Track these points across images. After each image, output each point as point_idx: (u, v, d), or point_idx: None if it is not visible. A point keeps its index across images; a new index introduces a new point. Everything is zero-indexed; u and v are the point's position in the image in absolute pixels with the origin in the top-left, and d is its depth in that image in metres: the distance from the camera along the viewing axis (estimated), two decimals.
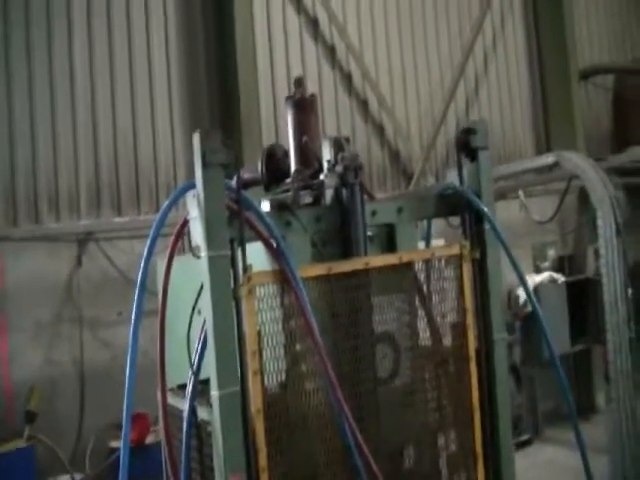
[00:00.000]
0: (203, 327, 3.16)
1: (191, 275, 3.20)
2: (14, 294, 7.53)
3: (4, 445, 7.04)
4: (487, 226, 3.67)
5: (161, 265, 3.31)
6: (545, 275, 10.01)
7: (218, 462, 3.01)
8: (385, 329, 3.47)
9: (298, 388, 3.21)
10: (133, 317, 2.96)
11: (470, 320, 3.60)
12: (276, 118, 9.20)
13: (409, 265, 3.51)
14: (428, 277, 3.56)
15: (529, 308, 9.35)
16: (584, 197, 9.00)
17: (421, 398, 3.52)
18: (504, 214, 3.75)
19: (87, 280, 7.78)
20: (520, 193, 10.06)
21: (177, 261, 3.54)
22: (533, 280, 9.69)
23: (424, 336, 3.55)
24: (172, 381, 3.78)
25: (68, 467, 7.22)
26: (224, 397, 2.98)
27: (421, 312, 3.55)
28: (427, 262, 3.56)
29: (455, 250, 3.63)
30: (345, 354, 3.31)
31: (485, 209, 3.64)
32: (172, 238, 3.24)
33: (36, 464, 7.11)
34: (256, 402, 3.05)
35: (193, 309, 3.32)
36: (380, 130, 10.37)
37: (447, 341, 3.60)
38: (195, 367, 3.20)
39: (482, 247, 3.69)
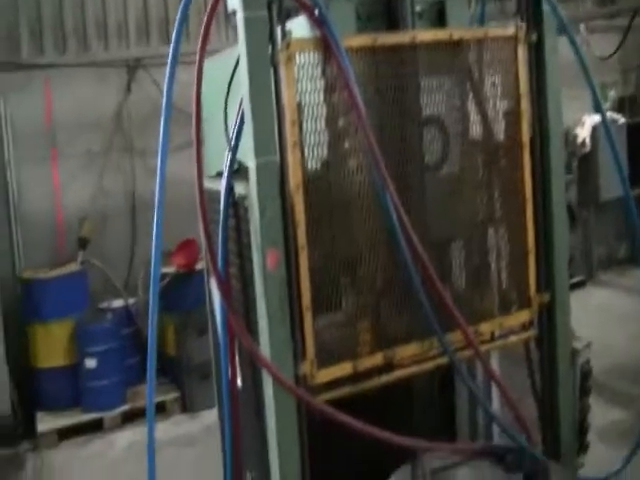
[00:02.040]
0: (241, 104, 3.01)
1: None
2: (64, 123, 7.51)
3: (58, 269, 7.24)
4: (546, 7, 3.37)
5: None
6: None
7: (255, 238, 2.93)
8: (433, 113, 3.27)
9: (341, 165, 3.07)
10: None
11: (525, 106, 3.36)
12: None
13: (460, 44, 3.25)
14: (480, 59, 3.31)
15: (587, 149, 9.00)
16: None
17: (471, 187, 3.35)
18: (564, 50, 3.42)
19: (137, 109, 7.70)
20: (581, 27, 9.46)
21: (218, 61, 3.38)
22: (593, 120, 9.25)
23: (475, 122, 3.34)
24: (211, 171, 3.70)
25: (121, 291, 7.40)
26: (261, 166, 2.86)
27: (473, 97, 3.33)
28: (480, 42, 3.29)
29: (510, 31, 3.34)
30: (390, 133, 3.13)
31: None
32: (207, 12, 3.03)
33: (89, 288, 7.30)
34: (295, 176, 2.92)
35: (229, 85, 3.15)
36: None
37: (500, 128, 3.39)
38: (233, 143, 3.07)
39: (539, 31, 3.39)
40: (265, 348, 2.98)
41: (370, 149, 2.93)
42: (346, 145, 3.08)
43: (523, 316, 3.47)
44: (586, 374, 3.57)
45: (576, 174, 9.12)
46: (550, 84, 3.39)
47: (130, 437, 6.76)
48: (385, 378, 3.19)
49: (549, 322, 3.51)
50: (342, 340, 3.13)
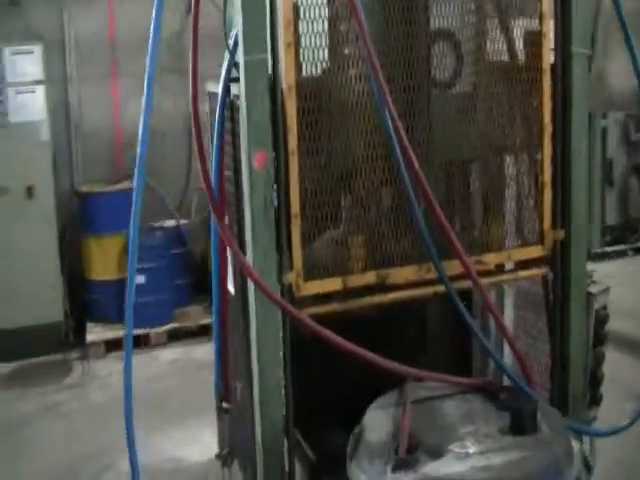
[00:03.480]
0: None
1: None
2: (126, 41, 7.65)
3: (114, 185, 7.47)
4: None
5: None
6: None
7: (243, 138, 2.88)
8: (445, 26, 3.12)
9: (340, 72, 2.98)
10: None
11: (547, 27, 3.17)
12: None
13: None
14: None
15: None
16: None
17: (484, 109, 3.18)
18: None
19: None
20: None
21: None
22: None
23: (492, 40, 3.18)
24: None
25: (174, 212, 7.53)
26: (249, 64, 2.80)
27: (490, 12, 3.17)
28: None
29: None
30: (395, 43, 3.02)
31: None
32: None
33: (143, 208, 7.38)
34: (288, 78, 2.85)
35: None
36: None
37: (519, 50, 3.21)
38: (232, 44, 3.02)
39: None
40: (249, 253, 2.92)
41: (368, 56, 2.82)
42: (346, 51, 2.99)
43: (535, 251, 3.27)
44: (602, 321, 3.34)
45: None
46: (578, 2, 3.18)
47: (174, 354, 7.08)
48: (378, 299, 3.07)
49: (563, 261, 3.29)
50: (333, 253, 3.03)
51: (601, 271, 3.63)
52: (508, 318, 3.62)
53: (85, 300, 7.45)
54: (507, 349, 3.47)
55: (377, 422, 2.85)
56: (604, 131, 9.02)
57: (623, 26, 3.25)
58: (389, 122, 2.84)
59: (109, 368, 6.80)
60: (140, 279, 7.01)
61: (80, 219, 7.51)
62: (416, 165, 2.84)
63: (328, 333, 2.86)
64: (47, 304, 7.07)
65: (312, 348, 3.02)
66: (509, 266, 3.33)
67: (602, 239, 8.80)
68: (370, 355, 2.89)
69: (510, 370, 3.05)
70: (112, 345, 7.04)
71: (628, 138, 9.12)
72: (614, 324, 3.50)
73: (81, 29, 7.72)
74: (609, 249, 8.81)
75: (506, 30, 3.18)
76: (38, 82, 7.15)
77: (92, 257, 7.41)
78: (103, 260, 7.34)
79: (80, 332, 7.19)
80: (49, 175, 7.24)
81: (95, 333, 7.18)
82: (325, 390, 3.48)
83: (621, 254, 8.95)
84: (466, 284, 3.08)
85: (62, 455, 5.43)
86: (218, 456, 3.93)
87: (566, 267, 3.30)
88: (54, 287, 7.14)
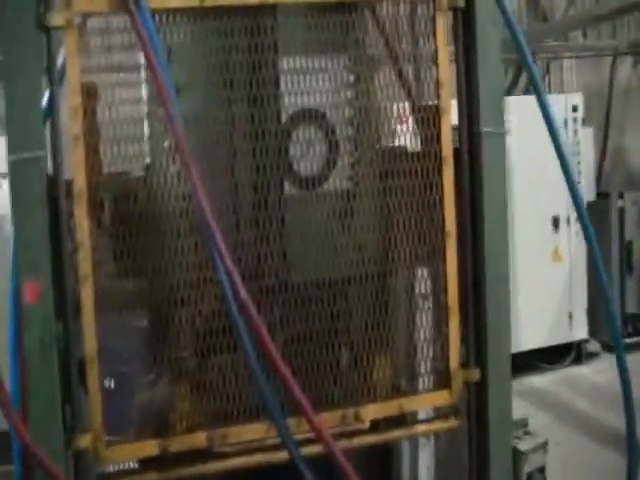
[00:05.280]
0: None
1: None
2: None
3: None
4: None
5: None
6: None
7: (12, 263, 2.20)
8: (312, 105, 2.37)
9: (156, 171, 2.27)
10: None
11: (446, 101, 2.37)
12: None
13: (350, 6, 2.33)
14: (382, 29, 2.38)
15: None
16: None
17: (364, 210, 2.40)
18: None
19: None
20: None
21: None
22: None
23: (374, 119, 2.40)
24: None
25: None
26: (17, 164, 2.11)
27: (370, 84, 2.39)
28: (380, 4, 2.36)
29: None
30: (237, 125, 2.30)
31: None
32: None
33: None
34: (78, 179, 2.15)
35: None
36: None
37: (409, 131, 2.42)
38: None
39: None
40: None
41: (182, 161, 2.09)
42: (166, 143, 2.28)
43: (438, 398, 2.45)
44: None
45: None
46: (485, 68, 2.37)
47: None
48: (211, 466, 2.32)
49: (479, 409, 2.45)
50: (147, 408, 2.30)
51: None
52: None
53: None
54: None
55: None
56: (621, 212, 7.96)
57: None
58: (209, 237, 2.10)
59: None
60: None
61: None
62: (243, 295, 2.08)
63: None
64: None
65: None
66: (422, 416, 2.53)
67: (623, 329, 7.64)
68: None
69: None
70: None
71: None
72: None
73: None
74: (629, 340, 7.65)
75: (390, 106, 2.39)
76: None
77: None
78: None
79: None
80: None
81: None
82: None
83: None
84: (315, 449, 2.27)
85: None
86: None
87: (483, 417, 2.45)
88: None
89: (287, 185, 2.36)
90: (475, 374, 2.43)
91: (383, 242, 2.40)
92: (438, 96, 2.36)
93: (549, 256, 6.95)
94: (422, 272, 2.44)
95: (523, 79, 7.33)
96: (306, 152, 2.36)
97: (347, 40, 2.36)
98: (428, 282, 2.44)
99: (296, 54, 2.32)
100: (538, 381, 7.23)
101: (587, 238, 2.43)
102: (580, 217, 2.48)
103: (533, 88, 2.21)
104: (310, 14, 2.31)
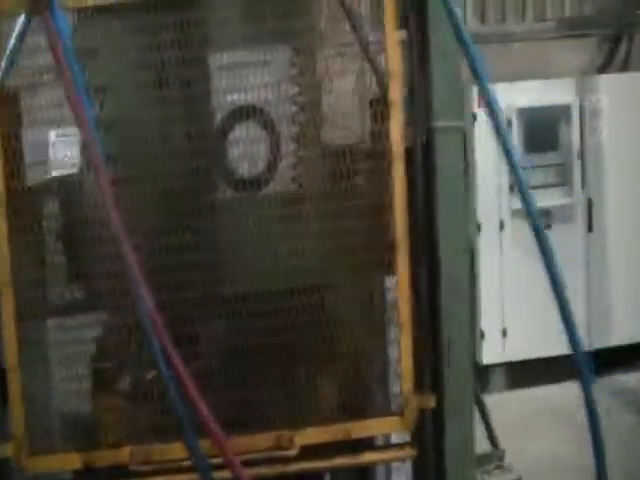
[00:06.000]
0: None
1: None
2: None
3: None
4: None
5: None
6: None
7: None
8: (252, 101, 2.16)
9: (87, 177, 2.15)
10: None
11: (395, 93, 2.09)
12: None
13: None
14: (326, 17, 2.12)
15: None
16: None
17: (309, 214, 2.18)
18: None
19: None
20: None
21: None
22: None
23: (318, 115, 2.17)
24: None
25: None
26: None
27: (314, 78, 2.15)
28: None
29: None
30: (168, 132, 2.14)
31: None
32: None
33: None
34: None
35: None
36: None
37: (357, 128, 2.17)
38: None
39: None
40: None
41: (94, 168, 1.95)
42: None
43: (388, 425, 2.20)
44: None
45: None
46: (438, 62, 2.07)
47: None
48: None
49: (436, 439, 2.19)
50: (71, 420, 2.20)
51: None
52: None
53: None
54: None
55: None
56: None
57: None
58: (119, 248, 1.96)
59: None
60: None
61: None
62: (150, 310, 1.93)
63: None
64: None
65: None
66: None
67: None
68: None
69: None
70: None
71: None
72: None
73: None
74: None
75: (336, 102, 2.14)
76: None
77: None
78: None
79: None
80: None
81: None
82: None
83: None
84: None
85: None
86: None
87: (441, 448, 2.19)
88: None
89: (224, 188, 2.18)
90: (430, 400, 2.17)
91: (328, 251, 2.16)
92: (387, 88, 2.09)
93: None
94: (371, 284, 2.19)
95: (620, 55, 6.72)
96: (245, 153, 2.17)
97: (288, 30, 2.13)
98: (378, 295, 2.19)
99: (232, 47, 2.12)
100: (632, 379, 6.64)
101: None
102: None
103: (475, 80, 1.88)
104: (245, 4, 2.10)
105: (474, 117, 5.91)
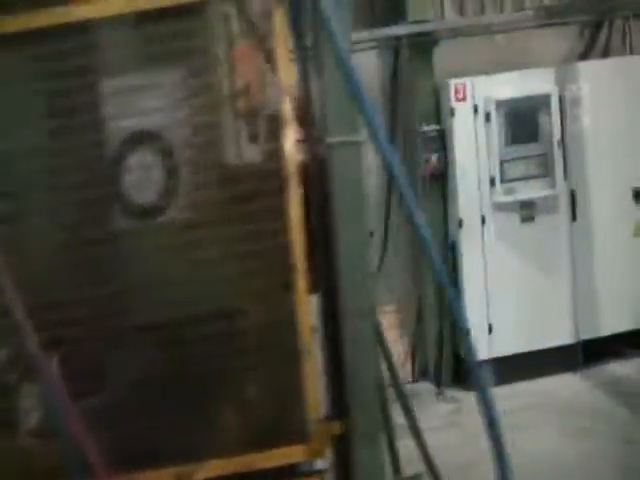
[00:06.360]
0: None
1: None
2: None
3: None
4: None
5: None
6: None
7: None
8: (147, 126, 2.07)
9: None
10: None
11: (286, 107, 1.99)
12: None
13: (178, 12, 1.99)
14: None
15: None
16: None
17: (207, 241, 2.09)
18: None
19: None
20: None
21: None
22: None
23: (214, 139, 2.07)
24: None
25: None
26: None
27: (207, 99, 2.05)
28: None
29: None
30: (56, 162, 2.06)
31: None
32: None
33: None
34: None
35: None
36: None
37: (250, 147, 2.07)
38: None
39: None
40: None
41: None
42: None
43: (293, 454, 2.11)
44: None
45: None
46: (331, 78, 1.97)
47: None
48: None
49: (342, 469, 2.10)
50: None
51: None
52: None
53: None
54: None
55: None
56: None
57: None
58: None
59: None
60: None
61: None
62: (32, 349, 1.86)
63: None
64: None
65: None
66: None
67: None
68: None
69: None
70: None
71: None
72: None
73: None
74: None
75: (230, 121, 2.05)
76: None
77: None
78: None
79: None
80: None
81: None
82: None
83: None
84: None
85: None
86: None
87: (349, 475, 2.10)
88: None
89: (121, 218, 2.09)
90: (334, 426, 2.08)
91: (228, 278, 2.07)
92: (280, 104, 1.99)
93: (629, 231, 6.16)
94: (272, 311, 2.09)
95: (601, 42, 6.54)
96: (141, 179, 2.08)
97: (179, 51, 2.03)
98: (280, 322, 2.09)
99: (123, 72, 2.03)
100: (621, 369, 6.48)
101: None
102: None
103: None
104: (131, 27, 2.00)
105: (452, 112, 5.79)
